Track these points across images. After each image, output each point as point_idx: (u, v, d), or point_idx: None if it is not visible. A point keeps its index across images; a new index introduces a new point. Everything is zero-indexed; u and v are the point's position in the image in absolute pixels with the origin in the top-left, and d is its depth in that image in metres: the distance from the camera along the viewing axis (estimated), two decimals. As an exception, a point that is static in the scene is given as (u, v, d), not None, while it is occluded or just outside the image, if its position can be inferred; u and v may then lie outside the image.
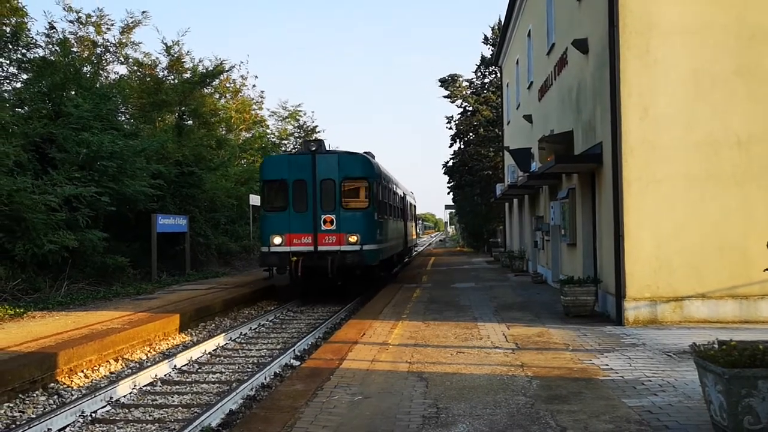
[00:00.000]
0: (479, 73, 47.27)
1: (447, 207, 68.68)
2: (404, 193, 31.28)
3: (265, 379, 10.40)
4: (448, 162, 48.69)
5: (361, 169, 19.81)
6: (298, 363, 11.30)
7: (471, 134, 46.13)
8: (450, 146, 48.15)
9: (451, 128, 47.96)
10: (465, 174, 45.31)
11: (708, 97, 11.96)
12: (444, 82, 47.81)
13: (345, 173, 19.43)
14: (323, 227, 18.99)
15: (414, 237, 41.68)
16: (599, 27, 13.00)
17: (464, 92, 47.29)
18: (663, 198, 11.97)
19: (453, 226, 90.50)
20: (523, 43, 24.52)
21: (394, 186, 26.55)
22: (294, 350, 12.33)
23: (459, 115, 47.41)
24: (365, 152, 21.46)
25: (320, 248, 18.92)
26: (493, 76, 45.17)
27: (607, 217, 12.79)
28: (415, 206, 41.09)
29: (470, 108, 46.30)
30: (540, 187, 21.90)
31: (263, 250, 19.20)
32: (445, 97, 47.60)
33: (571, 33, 15.37)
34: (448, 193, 52.29)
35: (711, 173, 11.96)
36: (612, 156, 12.20)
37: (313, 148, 19.67)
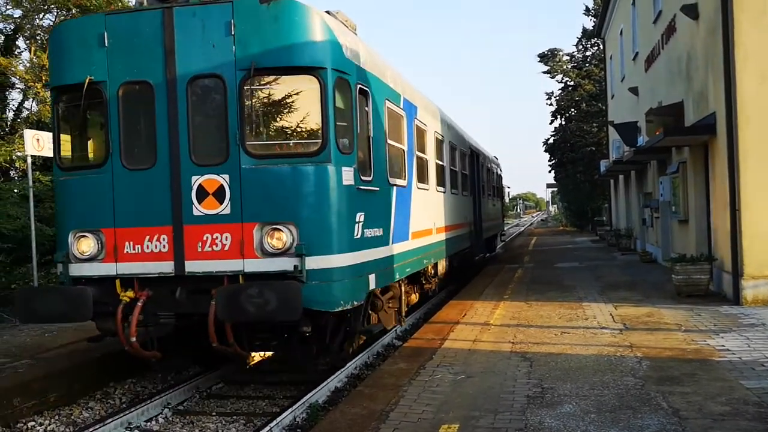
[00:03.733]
0: (580, 46, 45.73)
1: (548, 185, 67.27)
2: (472, 150, 18.78)
3: (369, 358, 10.57)
4: (548, 139, 47.56)
5: (299, 41, 7.67)
6: (400, 343, 11.40)
7: (572, 110, 44.80)
8: (550, 123, 47.02)
9: (551, 104, 46.78)
10: (567, 151, 44.10)
11: (835, 59, 11.06)
12: (543, 57, 46.57)
13: (252, 53, 7.58)
14: (198, 209, 7.70)
15: (499, 221, 28.17)
16: (710, -10, 12.25)
17: (564, 67, 45.91)
18: (784, 169, 11.20)
19: (555, 205, 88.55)
20: (628, 12, 23.48)
21: (438, 126, 13.93)
22: (396, 330, 12.45)
23: (559, 91, 46.12)
24: (328, 12, 8.46)
25: (190, 268, 7.72)
26: (596, 48, 43.56)
27: (722, 191, 12.11)
28: (500, 176, 28.61)
29: (571, 83, 44.90)
30: (648, 162, 21.02)
31: (59, 272, 8.26)
32: (544, 72, 46.39)
33: (679, -2, 14.55)
34: (549, 172, 51.22)
35: (839, 141, 11.07)
36: (726, 126, 11.52)
37: None
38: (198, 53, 7.70)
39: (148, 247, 7.81)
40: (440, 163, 13.92)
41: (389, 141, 9.71)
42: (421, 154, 11.96)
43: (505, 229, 47.85)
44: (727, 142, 11.53)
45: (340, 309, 7.79)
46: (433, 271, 13.27)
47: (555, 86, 58.65)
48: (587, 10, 44.22)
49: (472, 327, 10.58)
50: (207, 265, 7.65)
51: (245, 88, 7.63)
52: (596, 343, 8.93)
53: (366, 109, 8.69)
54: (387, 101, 9.72)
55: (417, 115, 11.75)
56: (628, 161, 21.46)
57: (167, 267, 7.76)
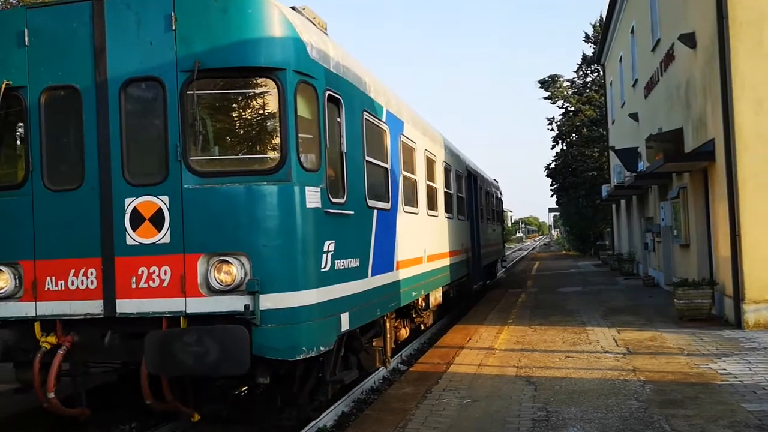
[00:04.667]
0: (581, 72, 46.27)
1: (551, 210, 67.52)
2: (469, 171, 17.93)
3: (375, 383, 10.67)
4: (550, 164, 47.85)
5: (252, 37, 6.52)
6: (405, 368, 11.51)
7: (574, 135, 45.19)
8: (552, 148, 47.36)
9: (552, 130, 47.20)
10: (569, 176, 44.40)
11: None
12: (544, 84, 47.06)
13: (197, 52, 6.45)
14: (132, 238, 6.57)
15: (499, 246, 27.07)
16: (707, 20, 12.54)
17: (565, 92, 46.38)
18: (782, 195, 11.40)
19: (557, 230, 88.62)
20: (627, 40, 23.86)
21: (430, 144, 12.80)
22: (401, 355, 12.55)
23: (560, 116, 46.57)
24: (293, 8, 7.47)
25: (123, 308, 6.56)
26: (596, 74, 44.05)
27: (722, 216, 12.28)
28: (501, 199, 27.87)
29: (572, 108, 45.36)
30: (649, 187, 21.23)
31: None
32: (545, 98, 46.88)
33: (677, 27, 14.87)
34: (551, 196, 51.39)
35: (836, 167, 11.28)
36: (725, 153, 11.74)
37: None
38: (133, 52, 6.60)
39: (73, 284, 6.62)
40: (432, 184, 12.72)
41: (368, 158, 8.48)
42: (409, 175, 10.82)
43: (508, 253, 47.87)
44: (726, 168, 11.73)
45: (302, 356, 6.50)
46: (424, 304, 12.13)
47: (556, 111, 59.36)
48: (587, 37, 44.82)
49: (477, 351, 10.70)
50: (142, 305, 6.47)
51: (188, 92, 6.44)
52: (600, 367, 9.05)
53: (338, 120, 7.50)
54: (366, 113, 8.54)
55: (404, 131, 10.61)
56: (629, 186, 21.67)
57: (95, 307, 6.57)
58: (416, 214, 11.19)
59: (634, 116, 22.39)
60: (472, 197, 18.01)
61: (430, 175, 12.64)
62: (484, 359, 10.06)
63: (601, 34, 31.21)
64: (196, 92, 6.42)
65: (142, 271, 6.46)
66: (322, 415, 8.40)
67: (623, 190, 23.51)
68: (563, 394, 7.71)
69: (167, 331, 6.28)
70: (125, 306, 6.51)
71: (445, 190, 14.14)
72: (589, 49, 44.63)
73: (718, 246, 12.91)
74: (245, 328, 6.08)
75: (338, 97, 7.50)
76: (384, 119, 9.48)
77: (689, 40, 13.78)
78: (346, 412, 9.08)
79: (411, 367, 10.52)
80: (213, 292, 6.33)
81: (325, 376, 7.50)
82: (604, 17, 31.61)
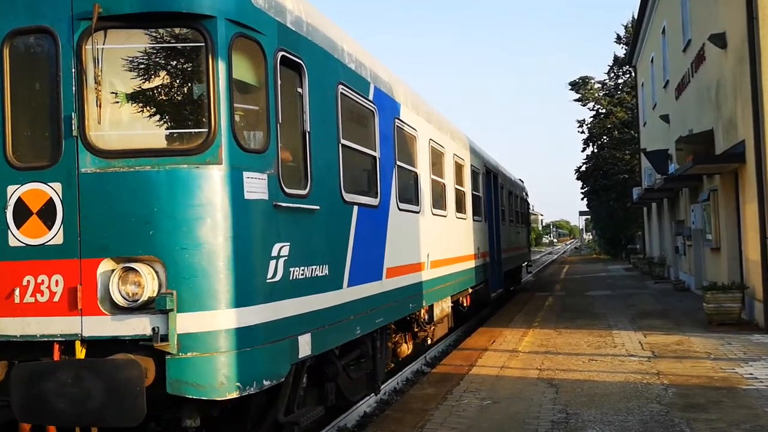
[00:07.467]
0: (612, 74, 45.77)
1: (581, 213, 66.91)
2: (488, 169, 16.46)
3: (398, 384, 10.71)
4: (580, 167, 47.44)
5: None
6: (428, 369, 11.53)
7: (605, 137, 44.75)
8: (582, 150, 46.97)
9: (582, 132, 46.78)
10: (599, 179, 43.98)
11: None
12: (574, 85, 46.67)
13: None
14: (15, 237, 5.05)
15: (524, 250, 24.85)
16: (737, 20, 12.36)
17: (596, 94, 45.94)
18: (814, 197, 11.18)
19: (589, 233, 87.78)
20: (658, 41, 23.58)
21: (437, 134, 11.14)
22: (425, 357, 12.58)
23: (591, 118, 46.12)
24: None
25: (4, 330, 5.05)
26: (627, 76, 43.57)
27: (752, 219, 12.08)
28: (526, 201, 26.24)
29: (603, 110, 44.92)
30: (680, 190, 20.95)
31: None
32: (575, 100, 46.47)
33: (708, 28, 14.66)
34: (582, 199, 51.00)
35: None
36: (755, 154, 11.55)
37: None
38: None
39: None
40: (439, 180, 11.11)
41: (346, 142, 6.89)
42: (407, 167, 9.21)
43: (537, 257, 47.50)
44: (756, 170, 11.55)
45: (237, 394, 4.92)
46: (427, 316, 10.51)
47: (586, 114, 58.48)
48: (618, 38, 44.34)
49: (500, 354, 10.68)
50: (28, 325, 4.97)
51: (87, 47, 4.98)
52: (623, 371, 8.98)
53: (298, 90, 5.94)
54: (342, 86, 6.89)
55: (400, 115, 9.01)
56: (659, 189, 21.42)
57: None
58: (417, 212, 9.59)
59: (665, 118, 22.12)
60: (491, 197, 16.46)
61: (437, 170, 10.99)
62: (507, 361, 10.04)
63: (633, 35, 30.88)
64: (98, 47, 4.97)
65: (28, 281, 5.00)
66: (343, 415, 8.48)
67: (654, 193, 23.25)
68: (584, 397, 7.67)
69: (36, 365, 4.83)
70: (7, 326, 5.03)
71: (457, 187, 12.52)
72: (620, 50, 44.21)
73: (748, 249, 12.70)
74: (140, 363, 4.64)
75: (299, 61, 5.89)
76: (371, 97, 7.84)
77: (720, 40, 13.60)
78: (369, 412, 9.14)
79: (434, 368, 10.54)
80: (118, 309, 4.85)
81: (277, 416, 5.84)
82: (635, 18, 31.30)
